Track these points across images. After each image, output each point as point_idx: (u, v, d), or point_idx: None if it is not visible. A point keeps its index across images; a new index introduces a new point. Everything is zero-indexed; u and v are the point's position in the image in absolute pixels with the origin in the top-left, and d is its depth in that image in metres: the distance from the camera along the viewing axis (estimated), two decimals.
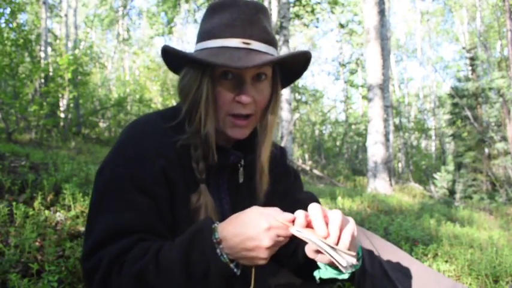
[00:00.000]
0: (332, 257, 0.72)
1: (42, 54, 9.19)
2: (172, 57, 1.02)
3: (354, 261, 0.73)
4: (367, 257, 1.19)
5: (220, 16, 0.97)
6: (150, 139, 0.95)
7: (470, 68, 10.73)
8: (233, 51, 0.92)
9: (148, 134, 0.96)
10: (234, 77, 0.94)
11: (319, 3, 12.84)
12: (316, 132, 18.18)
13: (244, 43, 0.93)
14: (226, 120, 0.97)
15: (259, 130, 1.04)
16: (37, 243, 1.63)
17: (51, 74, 8.17)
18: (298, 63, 1.04)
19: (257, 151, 1.05)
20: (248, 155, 1.04)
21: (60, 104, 8.72)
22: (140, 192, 0.90)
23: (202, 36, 0.99)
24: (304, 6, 12.37)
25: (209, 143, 0.96)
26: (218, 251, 0.81)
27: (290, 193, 1.18)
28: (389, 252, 1.21)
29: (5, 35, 7.62)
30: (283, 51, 9.91)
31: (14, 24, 8.04)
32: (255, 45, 0.94)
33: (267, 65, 0.95)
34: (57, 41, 11.26)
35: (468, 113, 9.78)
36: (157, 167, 0.92)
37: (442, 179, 10.63)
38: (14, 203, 1.89)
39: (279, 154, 1.19)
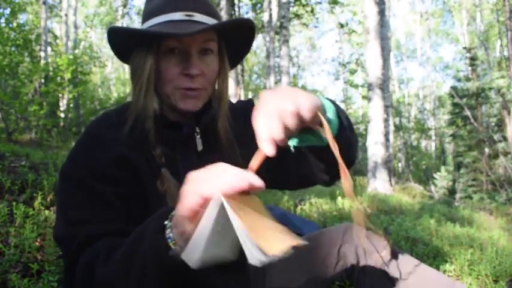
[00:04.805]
0: (243, 245, 0.62)
1: (42, 54, 9.18)
2: (118, 39, 1.00)
3: (263, 259, 0.60)
4: (365, 255, 1.20)
5: None
6: (104, 131, 0.96)
7: (470, 68, 10.73)
8: (176, 24, 0.92)
9: (102, 127, 0.97)
10: (180, 51, 0.94)
11: (319, 3, 12.84)
12: None
13: (187, 15, 0.93)
14: (176, 94, 0.96)
15: (213, 102, 1.05)
16: (37, 243, 1.63)
17: (51, 74, 8.17)
18: (243, 35, 1.03)
19: (215, 116, 1.04)
20: (202, 121, 1.02)
21: (60, 104, 8.71)
22: (99, 181, 0.90)
23: (146, 17, 0.99)
24: (304, 6, 12.37)
25: (149, 118, 0.94)
26: (167, 232, 0.68)
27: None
28: (388, 250, 1.21)
29: (5, 35, 7.62)
30: (283, 51, 9.90)
31: (14, 24, 8.03)
32: (198, 17, 0.94)
33: (208, 31, 0.95)
34: (57, 41, 11.25)
35: (468, 113, 9.78)
36: (115, 153, 0.92)
37: (442, 179, 10.63)
38: (14, 203, 1.89)
39: (245, 104, 1.18)
